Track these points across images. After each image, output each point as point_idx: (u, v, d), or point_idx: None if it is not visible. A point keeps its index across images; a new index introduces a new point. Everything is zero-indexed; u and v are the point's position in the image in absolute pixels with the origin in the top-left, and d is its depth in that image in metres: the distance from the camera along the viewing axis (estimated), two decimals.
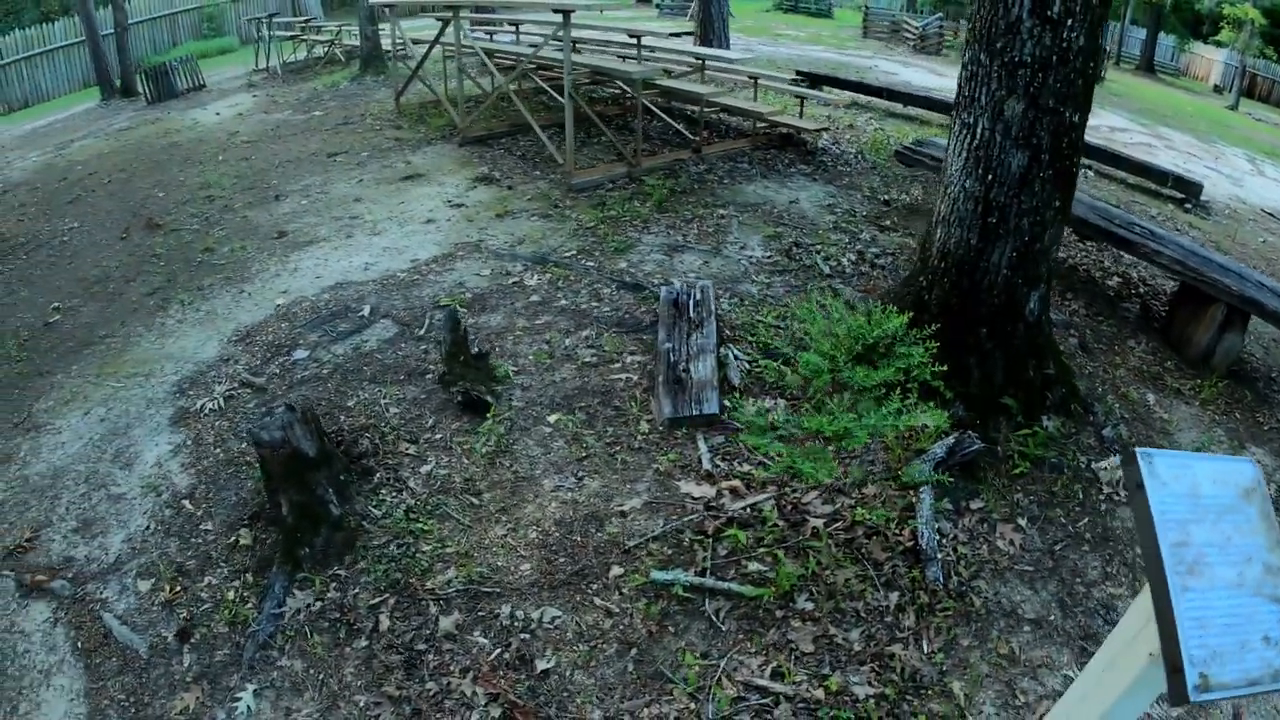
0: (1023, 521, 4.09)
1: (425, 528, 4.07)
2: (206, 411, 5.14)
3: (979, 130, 4.40)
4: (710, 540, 3.90)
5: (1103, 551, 4.08)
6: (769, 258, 6.85)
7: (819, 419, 3.73)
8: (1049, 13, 4.08)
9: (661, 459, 4.46)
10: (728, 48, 14.17)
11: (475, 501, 4.25)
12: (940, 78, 18.32)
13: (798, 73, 13.73)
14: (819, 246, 7.04)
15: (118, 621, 3.86)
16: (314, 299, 6.38)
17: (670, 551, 3.89)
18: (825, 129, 10.47)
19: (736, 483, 4.18)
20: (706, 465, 4.37)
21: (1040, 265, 4.59)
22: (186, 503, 4.45)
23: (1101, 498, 4.38)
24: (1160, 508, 1.46)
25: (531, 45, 12.19)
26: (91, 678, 3.65)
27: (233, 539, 4.14)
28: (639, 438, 4.63)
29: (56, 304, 7.28)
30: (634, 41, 10.01)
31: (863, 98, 13.47)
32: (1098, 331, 6.10)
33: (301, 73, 17.63)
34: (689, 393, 4.74)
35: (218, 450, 4.78)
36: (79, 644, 3.79)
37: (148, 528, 4.35)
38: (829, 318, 4.22)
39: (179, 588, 3.96)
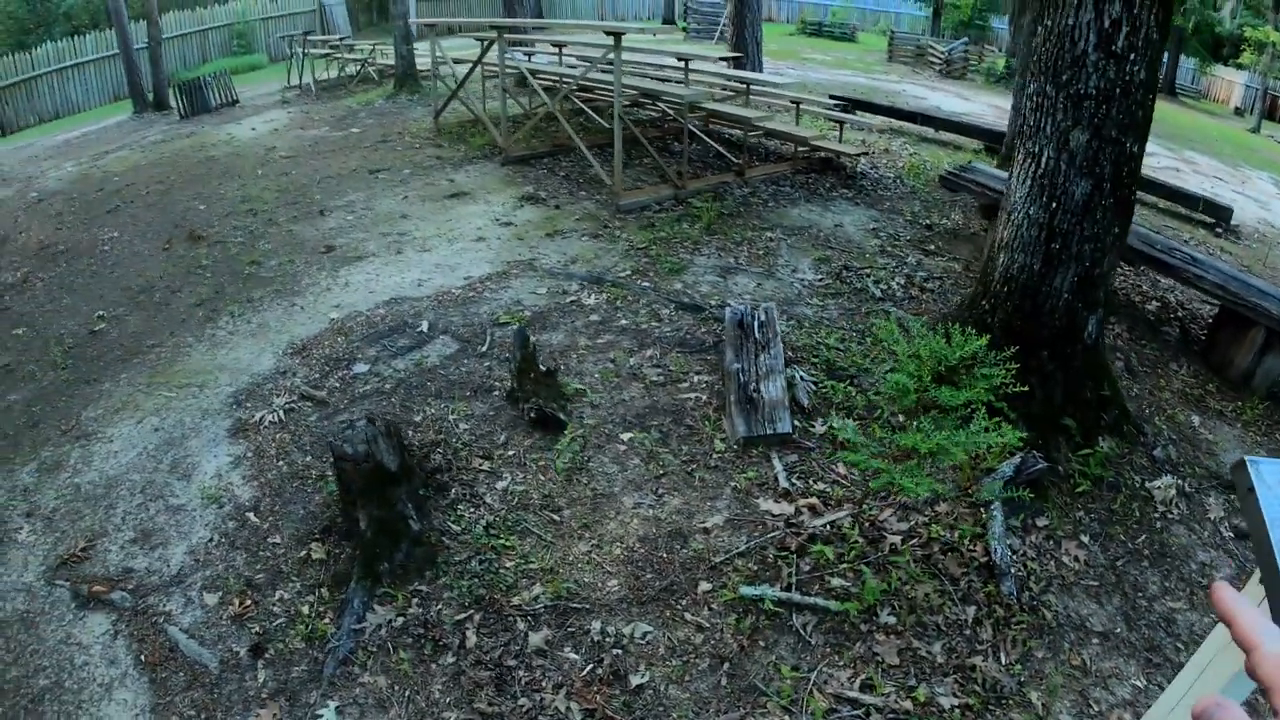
0: (1085, 538, 4.15)
1: (507, 544, 4.00)
2: (266, 424, 5.06)
3: (1044, 159, 4.49)
4: (794, 556, 3.89)
5: (1160, 567, 4.13)
6: (820, 281, 6.83)
7: (914, 436, 3.70)
8: (1113, 47, 4.18)
9: (739, 477, 4.43)
10: (761, 71, 14.19)
11: (556, 518, 4.18)
12: (968, 102, 18.38)
13: (832, 97, 13.73)
14: (868, 270, 7.04)
15: (184, 635, 3.77)
16: (369, 314, 6.33)
17: (756, 567, 3.87)
18: (865, 153, 10.46)
19: (814, 500, 4.21)
20: (783, 483, 4.36)
21: (1099, 290, 4.68)
22: (251, 515, 4.36)
23: (1156, 515, 4.43)
24: (1270, 509, 1.50)
25: (571, 66, 12.21)
26: (158, 692, 3.56)
27: (304, 553, 4.06)
28: (714, 456, 4.59)
29: (101, 312, 7.24)
30: (680, 65, 10.00)
31: (895, 122, 13.47)
32: (1141, 354, 6.10)
33: (334, 90, 17.69)
34: (761, 412, 4.74)
35: (280, 463, 4.70)
36: (142, 657, 3.70)
37: (211, 540, 4.27)
38: (910, 339, 4.20)
39: (249, 601, 3.87)
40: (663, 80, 11.03)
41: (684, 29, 29.72)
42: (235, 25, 27.21)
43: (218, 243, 8.42)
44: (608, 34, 8.14)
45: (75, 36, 24.38)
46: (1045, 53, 4.41)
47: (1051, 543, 4.08)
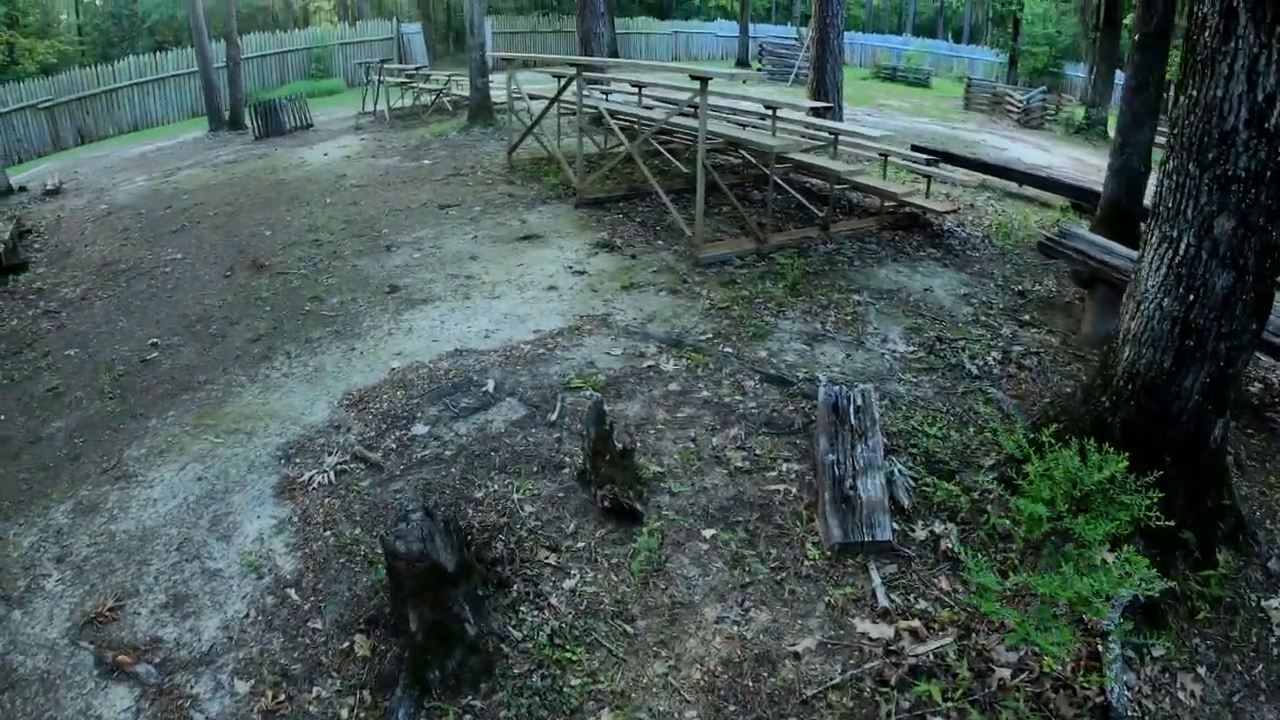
0: (1202, 670, 3.66)
1: (573, 656, 3.51)
2: (315, 485, 4.65)
3: (1183, 246, 4.02)
4: (894, 692, 3.37)
5: (1276, 702, 3.61)
6: (913, 353, 6.30)
7: (1053, 581, 3.25)
8: (1266, 125, 3.68)
9: (833, 591, 3.88)
10: (840, 118, 13.75)
11: (629, 629, 3.68)
12: (1048, 154, 17.81)
13: (914, 147, 13.25)
14: (962, 342, 6.50)
15: None
16: (432, 366, 5.93)
17: (851, 704, 3.34)
18: (954, 210, 9.92)
19: (916, 623, 3.70)
20: (882, 600, 3.82)
21: (1230, 391, 4.24)
22: (292, 592, 3.94)
23: (1273, 640, 3.89)
24: None
25: (649, 107, 11.88)
26: None
27: (346, 644, 3.62)
28: (806, 564, 4.04)
29: (155, 339, 6.98)
30: (769, 112, 9.59)
31: (978, 175, 12.91)
32: (1248, 446, 5.44)
33: (408, 119, 17.64)
34: (859, 515, 4.19)
35: (328, 533, 4.28)
36: None
37: (247, 615, 3.86)
38: (1043, 457, 3.85)
39: (283, 696, 3.45)
40: (742, 126, 10.63)
41: (758, 69, 29.51)
42: (314, 49, 27.61)
43: (280, 274, 8.15)
44: (693, 78, 7.74)
45: (158, 52, 24.88)
46: (1188, 127, 3.92)
47: (1167, 676, 3.60)
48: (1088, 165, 17.08)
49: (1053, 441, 3.92)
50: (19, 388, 6.46)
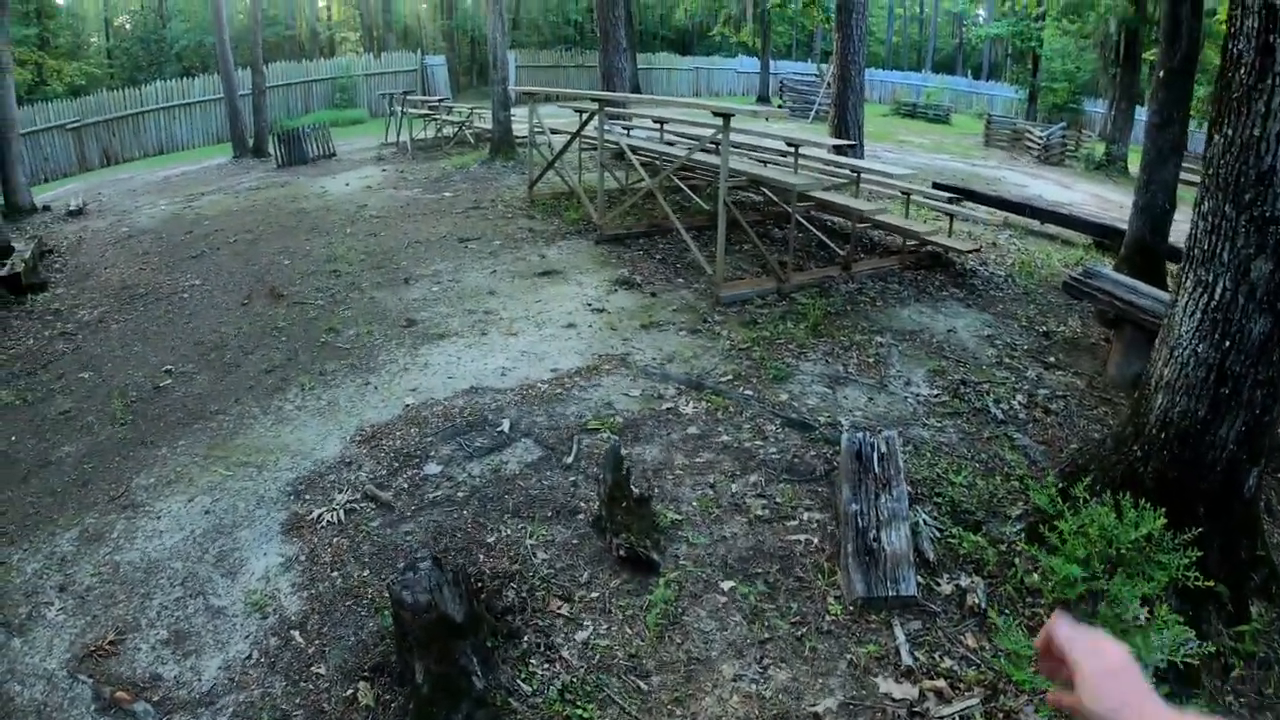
0: None
1: (584, 714, 3.36)
2: (324, 523, 4.55)
3: (1219, 290, 3.93)
4: None
5: None
6: (936, 397, 6.18)
7: None
8: None
9: (856, 649, 3.73)
10: (861, 156, 13.72)
11: (643, 685, 3.53)
12: (1069, 191, 17.75)
13: (936, 185, 13.19)
14: (986, 385, 6.38)
15: None
16: (447, 403, 5.83)
17: None
18: (977, 249, 9.82)
19: (941, 683, 3.55)
20: (906, 658, 3.67)
21: (1264, 440, 4.12)
22: (296, 634, 3.82)
23: None
24: None
25: (669, 143, 11.86)
26: None
27: (349, 691, 3.49)
28: (827, 619, 3.89)
29: (169, 366, 6.93)
30: (790, 149, 9.53)
31: (1000, 212, 12.84)
32: (1277, 490, 5.26)
33: (430, 151, 17.71)
34: (882, 568, 4.04)
35: (335, 574, 4.16)
36: None
37: (249, 656, 3.74)
38: (1076, 512, 3.68)
39: None
40: (764, 162, 10.58)
41: (780, 105, 29.64)
42: (339, 79, 27.87)
43: (298, 303, 8.10)
44: (716, 114, 7.69)
45: (185, 78, 25.20)
46: (1224, 167, 3.85)
47: None
48: (1109, 201, 17.01)
49: (1086, 496, 3.80)
50: (32, 409, 6.41)
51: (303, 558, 4.32)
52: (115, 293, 9.21)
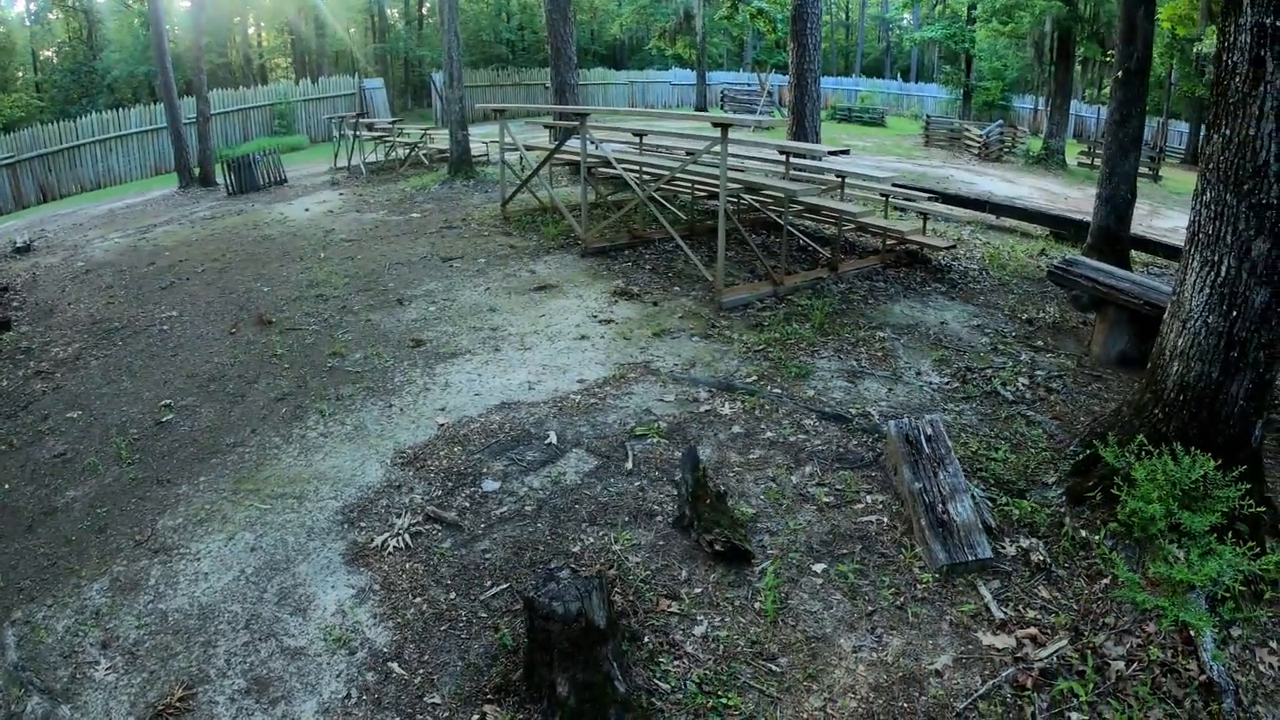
0: (1273, 644, 3.89)
1: (728, 702, 3.40)
2: (390, 549, 4.42)
3: (1224, 268, 4.54)
4: (1033, 694, 3.50)
5: None
6: (948, 384, 6.45)
7: (1183, 570, 3.85)
8: None
9: (952, 610, 3.97)
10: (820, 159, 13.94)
11: (773, 667, 3.61)
12: (1015, 186, 18.33)
13: (896, 185, 13.51)
14: (989, 371, 6.70)
15: None
16: (483, 420, 5.75)
17: (1000, 710, 3.43)
18: (953, 246, 10.10)
19: (1033, 630, 3.92)
20: (997, 614, 3.95)
21: (1266, 394, 4.71)
22: (395, 665, 3.68)
23: None
24: None
25: (649, 153, 11.89)
26: None
27: (476, 717, 3.37)
28: (919, 587, 4.11)
29: (167, 400, 6.68)
30: (782, 157, 9.64)
31: (957, 210, 13.22)
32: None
33: (383, 174, 17.47)
34: (957, 536, 4.32)
35: (419, 599, 4.05)
36: None
37: (348, 695, 3.54)
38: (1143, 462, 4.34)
39: None
40: (741, 170, 10.67)
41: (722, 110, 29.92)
42: (277, 105, 27.38)
43: (291, 329, 7.91)
44: (715, 125, 7.75)
45: (120, 109, 24.50)
46: (1224, 162, 4.43)
47: (1247, 652, 3.82)
48: (1054, 194, 17.58)
49: (1147, 450, 4.41)
50: (21, 454, 6.09)
51: (376, 587, 4.17)
52: (87, 328, 8.87)
